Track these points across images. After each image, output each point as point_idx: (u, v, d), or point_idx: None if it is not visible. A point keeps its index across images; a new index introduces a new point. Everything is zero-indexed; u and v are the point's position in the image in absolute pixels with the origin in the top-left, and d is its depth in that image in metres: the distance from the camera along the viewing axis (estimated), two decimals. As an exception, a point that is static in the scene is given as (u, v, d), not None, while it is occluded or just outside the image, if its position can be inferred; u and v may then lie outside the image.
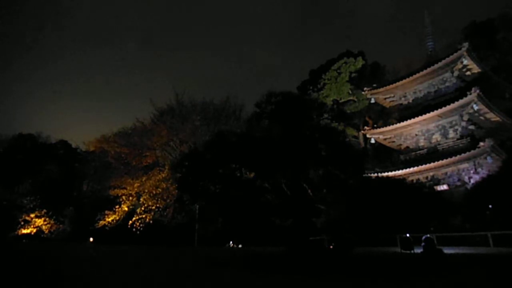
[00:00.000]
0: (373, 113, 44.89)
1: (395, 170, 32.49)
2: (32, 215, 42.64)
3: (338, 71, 43.09)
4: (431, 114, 31.86)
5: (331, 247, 19.14)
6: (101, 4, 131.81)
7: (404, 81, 35.93)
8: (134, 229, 36.93)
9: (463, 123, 31.70)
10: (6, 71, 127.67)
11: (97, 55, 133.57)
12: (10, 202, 42.99)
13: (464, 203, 25.38)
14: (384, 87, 37.56)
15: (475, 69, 32.53)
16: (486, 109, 30.11)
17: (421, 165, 30.98)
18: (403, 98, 38.22)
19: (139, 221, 37.03)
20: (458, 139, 31.97)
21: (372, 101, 39.08)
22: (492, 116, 31.06)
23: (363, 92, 39.35)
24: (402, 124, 34.55)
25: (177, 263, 16.86)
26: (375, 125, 39.86)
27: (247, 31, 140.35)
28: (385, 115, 43.78)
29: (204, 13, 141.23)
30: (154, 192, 37.16)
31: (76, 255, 20.91)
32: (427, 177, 31.82)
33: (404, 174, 30.97)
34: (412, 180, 30.90)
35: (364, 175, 19.83)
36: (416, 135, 35.54)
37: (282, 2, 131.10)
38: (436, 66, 33.05)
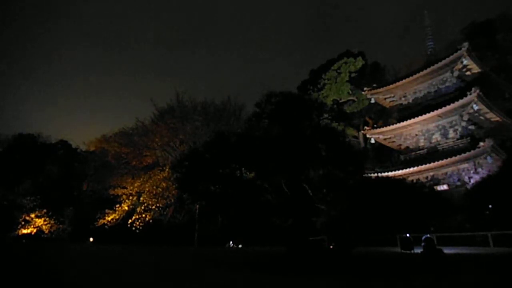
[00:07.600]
0: (373, 113, 44.91)
1: (395, 170, 32.51)
2: (32, 215, 42.56)
3: (338, 71, 43.17)
4: (431, 114, 31.89)
5: (331, 247, 19.14)
6: (103, 3, 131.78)
7: (404, 81, 35.98)
8: (134, 229, 36.95)
9: (463, 123, 31.72)
10: (6, 71, 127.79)
11: (98, 54, 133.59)
12: (10, 202, 42.94)
13: (464, 203, 25.36)
14: (384, 87, 37.61)
15: (475, 69, 32.57)
16: (486, 109, 30.15)
17: (421, 165, 31.01)
18: (403, 98, 38.26)
19: (139, 221, 37.05)
20: (458, 139, 31.99)
21: (372, 101, 39.14)
22: (492, 116, 31.09)
23: (363, 92, 39.40)
24: (402, 124, 34.58)
25: (177, 262, 16.86)
26: (375, 125, 39.86)
27: (247, 32, 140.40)
28: (385, 115, 43.78)
29: (204, 14, 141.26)
30: (154, 192, 37.17)
31: (75, 255, 20.89)
32: (427, 177, 31.84)
33: (404, 174, 30.97)
34: (412, 180, 30.73)
35: (364, 175, 19.77)
36: (416, 135, 35.55)
37: (283, 3, 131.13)
38: (436, 66, 33.08)
